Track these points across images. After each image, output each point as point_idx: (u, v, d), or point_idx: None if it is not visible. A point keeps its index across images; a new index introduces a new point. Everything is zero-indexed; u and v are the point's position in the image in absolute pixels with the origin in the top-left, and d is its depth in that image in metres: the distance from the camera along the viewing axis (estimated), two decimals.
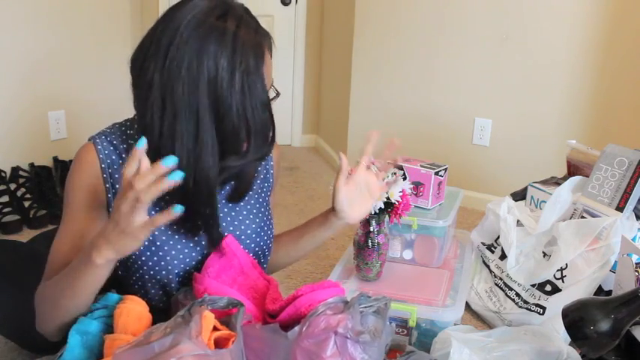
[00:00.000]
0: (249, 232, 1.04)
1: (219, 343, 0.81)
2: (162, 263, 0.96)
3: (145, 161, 0.74)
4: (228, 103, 0.84)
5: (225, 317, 0.84)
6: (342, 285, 1.09)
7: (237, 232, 1.03)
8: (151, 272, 0.97)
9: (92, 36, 2.60)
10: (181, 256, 0.98)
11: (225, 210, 1.03)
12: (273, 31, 3.42)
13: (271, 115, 0.91)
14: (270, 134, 0.93)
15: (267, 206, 1.11)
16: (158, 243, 0.96)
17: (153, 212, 0.95)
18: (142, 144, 0.74)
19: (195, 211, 0.92)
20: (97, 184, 0.93)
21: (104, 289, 1.01)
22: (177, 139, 0.85)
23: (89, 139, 0.95)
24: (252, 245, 1.05)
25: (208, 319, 0.79)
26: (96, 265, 0.80)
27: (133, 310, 0.86)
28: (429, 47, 2.62)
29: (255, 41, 0.87)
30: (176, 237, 0.98)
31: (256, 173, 1.08)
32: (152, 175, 0.72)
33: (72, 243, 0.93)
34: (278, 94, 0.95)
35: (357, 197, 1.03)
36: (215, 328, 0.81)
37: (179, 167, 0.75)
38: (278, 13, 3.43)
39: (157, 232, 0.96)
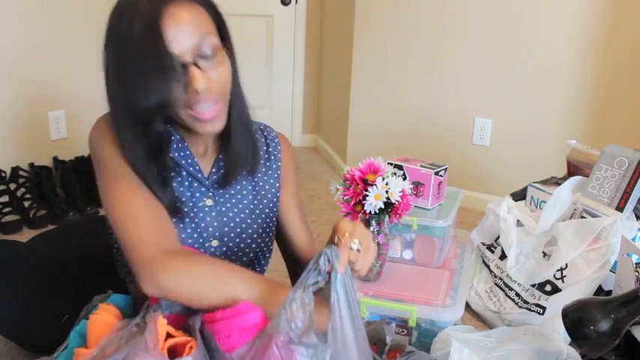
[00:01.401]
0: (250, 231, 1.04)
1: (177, 350, 0.75)
2: None
3: None
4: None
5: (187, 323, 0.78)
6: None
7: (238, 230, 1.03)
8: None
9: (93, 36, 2.59)
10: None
11: (224, 208, 1.03)
12: (273, 31, 3.45)
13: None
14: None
15: (272, 208, 1.10)
16: None
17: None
18: None
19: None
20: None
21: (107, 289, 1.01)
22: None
23: (104, 115, 0.97)
24: (254, 246, 1.06)
25: (160, 325, 0.74)
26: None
27: (103, 322, 0.82)
28: (428, 47, 2.62)
29: (152, 8, 0.82)
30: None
31: (245, 164, 1.04)
32: None
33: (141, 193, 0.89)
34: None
35: None
36: (170, 335, 0.76)
37: None
38: (278, 13, 3.43)
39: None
